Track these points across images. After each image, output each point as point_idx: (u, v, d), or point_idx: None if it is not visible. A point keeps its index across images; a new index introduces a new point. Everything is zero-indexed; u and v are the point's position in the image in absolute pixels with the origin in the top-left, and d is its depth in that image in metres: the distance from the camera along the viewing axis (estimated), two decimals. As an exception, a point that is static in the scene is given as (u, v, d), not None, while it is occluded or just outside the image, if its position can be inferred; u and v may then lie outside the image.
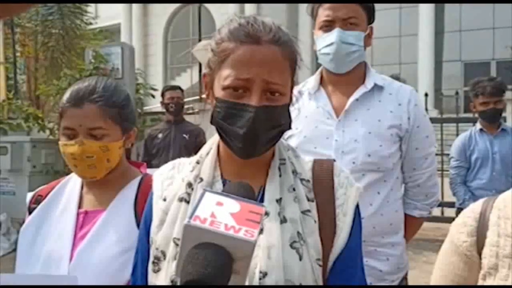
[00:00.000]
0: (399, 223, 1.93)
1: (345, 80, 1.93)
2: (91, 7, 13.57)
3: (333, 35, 1.85)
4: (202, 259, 0.75)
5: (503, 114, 3.81)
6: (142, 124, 7.28)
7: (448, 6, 20.76)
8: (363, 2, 1.89)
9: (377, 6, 1.97)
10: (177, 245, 0.99)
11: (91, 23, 13.08)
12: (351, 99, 1.90)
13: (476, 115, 3.95)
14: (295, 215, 1.02)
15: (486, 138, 3.81)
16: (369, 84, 1.91)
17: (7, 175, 6.60)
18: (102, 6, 23.83)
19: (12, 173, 6.57)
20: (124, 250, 1.31)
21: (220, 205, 0.82)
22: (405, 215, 1.97)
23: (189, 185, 1.07)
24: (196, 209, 0.80)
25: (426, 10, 20.65)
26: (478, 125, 3.88)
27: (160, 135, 5.05)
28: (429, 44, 20.75)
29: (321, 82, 2.00)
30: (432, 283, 1.22)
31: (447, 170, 6.66)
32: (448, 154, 6.83)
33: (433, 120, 5.84)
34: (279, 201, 1.03)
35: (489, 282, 1.05)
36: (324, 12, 1.88)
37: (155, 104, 9.44)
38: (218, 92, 1.04)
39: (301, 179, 1.08)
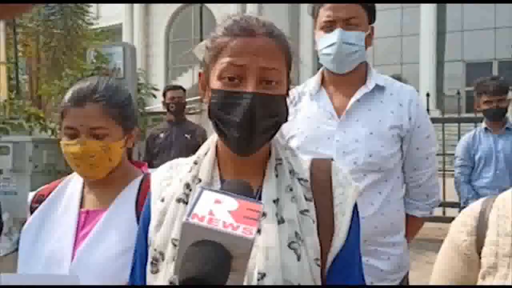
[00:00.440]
0: (400, 223, 1.94)
1: (346, 80, 1.93)
2: (92, 7, 13.60)
3: (334, 35, 1.85)
4: (201, 257, 0.75)
5: (506, 114, 3.81)
6: (144, 124, 7.29)
7: (449, 6, 20.74)
8: (364, 2, 1.89)
9: (379, 6, 1.97)
10: (175, 246, 0.99)
11: (92, 23, 13.12)
12: (352, 99, 1.90)
13: (478, 115, 3.96)
14: (292, 215, 1.01)
15: (490, 137, 3.82)
16: (370, 84, 1.91)
17: (9, 175, 6.61)
18: (103, 6, 23.88)
19: (14, 173, 6.58)
20: (125, 250, 1.31)
21: (218, 203, 0.82)
22: (406, 215, 1.98)
23: (187, 185, 1.07)
24: (194, 207, 0.80)
25: (427, 10, 20.64)
26: (483, 125, 3.90)
27: (161, 135, 5.04)
28: (430, 44, 20.75)
29: (322, 82, 2.00)
30: (431, 282, 1.22)
31: (449, 170, 6.67)
32: (449, 154, 6.87)
33: (434, 120, 5.85)
34: (276, 201, 1.03)
35: (488, 281, 1.05)
36: (325, 12, 1.88)
37: (156, 104, 9.46)
38: (214, 84, 1.04)
39: (299, 179, 1.07)
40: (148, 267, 1.06)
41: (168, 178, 1.14)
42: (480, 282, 1.07)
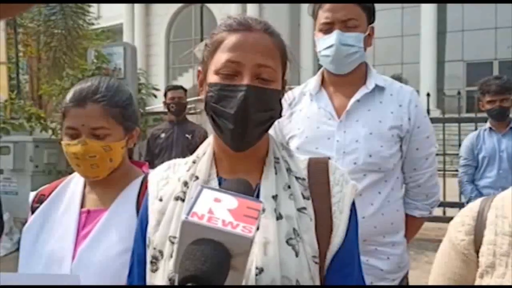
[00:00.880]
0: (400, 223, 1.94)
1: (346, 81, 1.94)
2: (93, 7, 13.58)
3: (333, 37, 1.86)
4: (200, 255, 0.75)
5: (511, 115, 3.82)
6: (144, 124, 7.29)
7: (450, 6, 20.74)
8: (365, 2, 1.89)
9: (379, 6, 1.97)
10: (172, 243, 1.00)
11: (93, 23, 13.12)
12: (352, 100, 1.91)
13: (479, 115, 3.96)
14: (291, 212, 1.02)
15: (494, 137, 3.82)
16: (370, 85, 1.92)
17: (10, 175, 6.62)
18: (104, 6, 23.90)
19: (15, 173, 6.59)
20: (126, 249, 1.31)
21: (218, 201, 0.82)
22: (406, 215, 1.98)
23: (185, 183, 1.08)
24: (193, 206, 0.81)
25: (428, 10, 20.63)
26: (487, 124, 3.90)
27: (162, 135, 5.04)
28: (431, 44, 20.74)
29: (322, 83, 2.01)
30: (430, 281, 1.22)
31: (449, 170, 6.68)
32: (450, 154, 6.87)
33: (435, 120, 5.86)
34: (275, 197, 1.03)
35: (486, 280, 1.05)
36: (324, 14, 1.88)
37: (157, 104, 9.46)
38: (211, 78, 1.06)
39: (297, 178, 1.08)
40: (148, 266, 1.06)
41: (166, 178, 1.14)
42: (478, 281, 1.08)
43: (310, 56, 18.05)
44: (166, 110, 5.35)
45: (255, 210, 0.82)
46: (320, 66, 2.03)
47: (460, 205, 4.58)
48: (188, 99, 5.87)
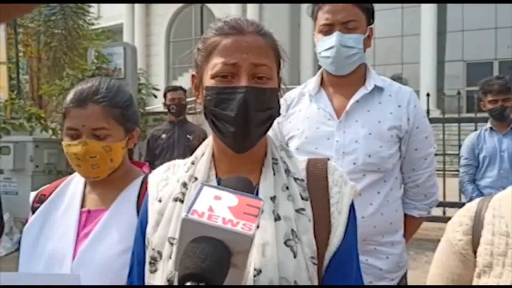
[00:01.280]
0: (398, 222, 1.95)
1: (345, 81, 1.95)
2: (93, 8, 13.57)
3: (333, 38, 1.86)
4: (200, 253, 0.75)
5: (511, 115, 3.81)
6: (144, 124, 7.29)
7: (450, 6, 20.73)
8: (365, 2, 1.90)
9: (379, 6, 1.98)
10: (171, 244, 1.00)
11: (93, 24, 13.11)
12: (352, 100, 1.91)
13: (479, 115, 3.96)
14: (289, 213, 1.02)
15: (495, 137, 3.82)
16: (369, 85, 1.92)
17: (10, 175, 6.62)
18: (104, 6, 23.89)
19: (15, 173, 6.59)
20: (126, 249, 1.31)
21: (218, 199, 0.82)
22: (405, 215, 1.99)
23: (184, 185, 1.08)
24: (193, 203, 0.81)
25: (428, 10, 20.62)
26: (488, 124, 3.91)
27: (163, 136, 5.03)
28: (431, 44, 20.73)
29: (322, 83, 2.01)
30: (428, 281, 1.23)
31: (449, 170, 6.68)
32: (450, 154, 6.88)
33: (435, 120, 5.86)
34: (273, 198, 1.03)
35: (483, 280, 1.06)
36: (324, 15, 1.89)
37: (157, 104, 9.47)
38: (208, 82, 1.06)
39: (295, 179, 1.08)
40: (147, 267, 1.06)
41: (165, 179, 1.15)
42: (475, 281, 1.08)
43: (310, 56, 18.07)
44: (166, 110, 5.34)
45: (255, 207, 0.82)
46: (320, 67, 2.03)
47: (460, 205, 4.57)
48: (188, 99, 5.87)
